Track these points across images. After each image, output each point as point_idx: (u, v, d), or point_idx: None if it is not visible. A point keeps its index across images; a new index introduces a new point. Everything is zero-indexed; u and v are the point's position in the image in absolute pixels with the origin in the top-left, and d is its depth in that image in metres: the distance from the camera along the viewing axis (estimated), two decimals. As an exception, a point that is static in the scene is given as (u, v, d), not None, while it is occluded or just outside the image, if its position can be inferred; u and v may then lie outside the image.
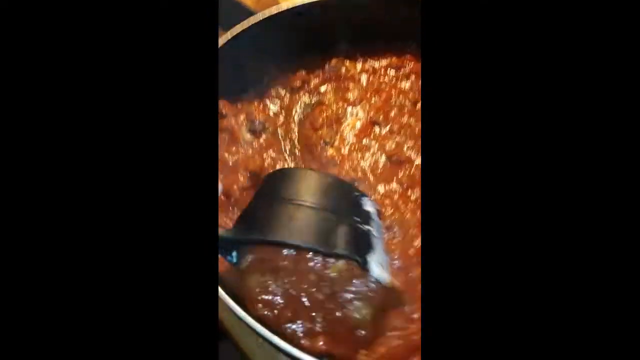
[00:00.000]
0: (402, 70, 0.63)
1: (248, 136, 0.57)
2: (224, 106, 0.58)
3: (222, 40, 0.55)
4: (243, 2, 0.81)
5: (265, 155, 0.55)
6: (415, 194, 0.51)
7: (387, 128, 0.57)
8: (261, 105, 0.61)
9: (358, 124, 0.58)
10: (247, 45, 0.57)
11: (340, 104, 0.60)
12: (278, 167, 0.54)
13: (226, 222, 0.48)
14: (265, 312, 0.37)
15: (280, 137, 0.58)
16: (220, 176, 0.50)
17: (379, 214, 0.45)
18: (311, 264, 0.38)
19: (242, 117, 0.59)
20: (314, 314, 0.37)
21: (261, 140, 0.57)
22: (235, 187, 0.50)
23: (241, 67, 0.60)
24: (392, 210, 0.50)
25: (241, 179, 0.51)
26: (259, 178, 0.52)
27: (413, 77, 0.62)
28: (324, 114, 0.59)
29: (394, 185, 0.52)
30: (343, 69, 0.64)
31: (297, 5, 0.59)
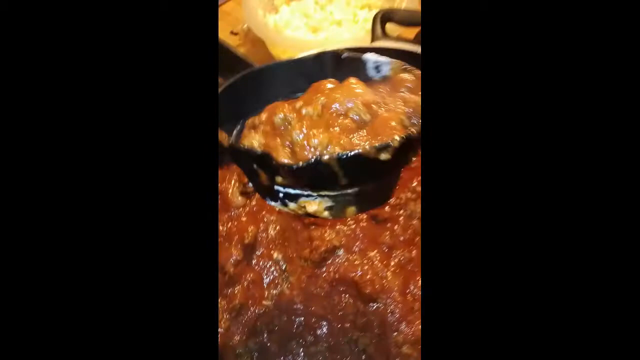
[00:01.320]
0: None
1: (240, 200, 0.58)
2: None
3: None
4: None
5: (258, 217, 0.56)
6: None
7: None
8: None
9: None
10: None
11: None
12: (271, 232, 0.55)
13: (222, 303, 0.50)
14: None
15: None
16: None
17: None
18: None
19: (233, 179, 0.61)
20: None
21: (253, 202, 0.58)
22: (229, 261, 0.52)
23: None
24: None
25: (235, 252, 0.52)
26: (253, 249, 0.53)
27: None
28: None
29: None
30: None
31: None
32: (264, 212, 0.57)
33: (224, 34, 1.00)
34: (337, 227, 0.54)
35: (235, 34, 1.01)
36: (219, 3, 1.08)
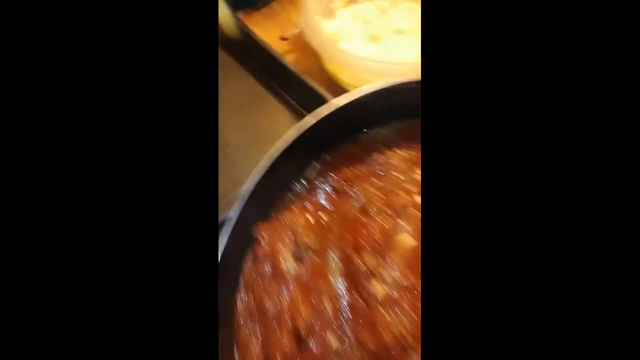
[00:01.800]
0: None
1: (293, 265, 0.51)
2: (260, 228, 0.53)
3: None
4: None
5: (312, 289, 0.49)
6: None
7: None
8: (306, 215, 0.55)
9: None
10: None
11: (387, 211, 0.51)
12: (327, 309, 0.48)
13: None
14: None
15: (329, 258, 0.52)
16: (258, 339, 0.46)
17: None
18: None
19: (284, 234, 0.53)
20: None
21: (304, 270, 0.51)
22: (279, 352, 0.45)
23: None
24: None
25: (285, 340, 0.45)
26: (306, 334, 0.46)
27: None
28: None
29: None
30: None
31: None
32: (319, 282, 0.50)
33: (269, 36, 0.90)
34: (404, 310, 0.46)
35: (286, 39, 0.92)
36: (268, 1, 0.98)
